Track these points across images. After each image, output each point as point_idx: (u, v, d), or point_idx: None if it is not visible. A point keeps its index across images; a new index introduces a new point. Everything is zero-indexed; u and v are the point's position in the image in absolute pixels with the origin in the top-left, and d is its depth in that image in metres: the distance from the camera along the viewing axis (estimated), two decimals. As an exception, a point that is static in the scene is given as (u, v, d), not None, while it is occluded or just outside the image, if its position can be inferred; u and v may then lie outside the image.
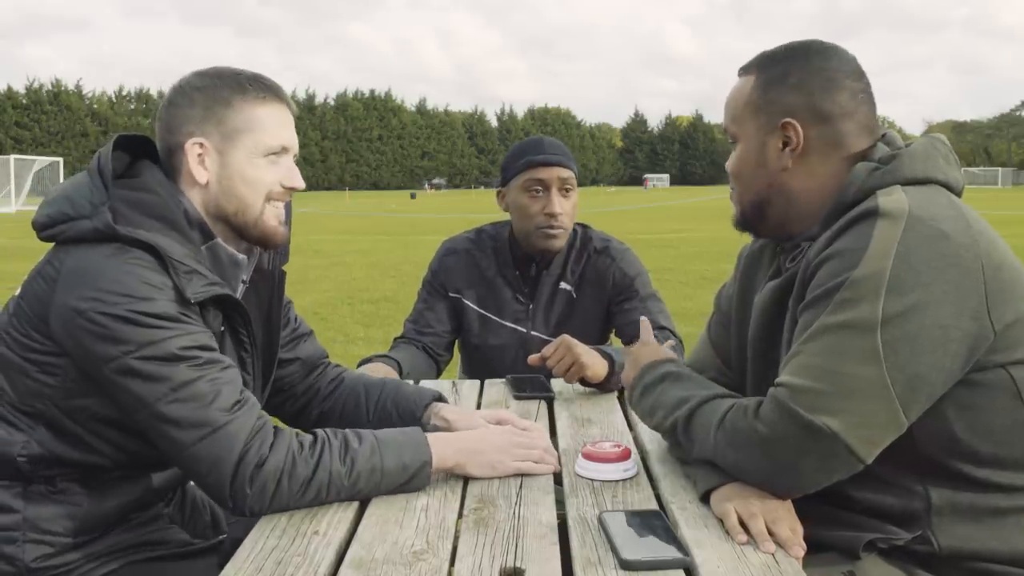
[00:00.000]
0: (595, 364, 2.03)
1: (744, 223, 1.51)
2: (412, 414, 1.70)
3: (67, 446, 1.42)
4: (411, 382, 2.03)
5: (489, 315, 2.47)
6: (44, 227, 1.43)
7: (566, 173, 2.36)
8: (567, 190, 2.37)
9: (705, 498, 1.34)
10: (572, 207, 2.39)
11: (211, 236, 1.49)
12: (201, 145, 1.47)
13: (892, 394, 1.19)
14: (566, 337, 2.06)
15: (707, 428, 1.34)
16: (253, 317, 1.58)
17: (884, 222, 1.24)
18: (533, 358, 2.08)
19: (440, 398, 1.74)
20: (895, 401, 1.20)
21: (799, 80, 1.40)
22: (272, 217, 1.52)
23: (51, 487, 1.44)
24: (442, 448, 1.45)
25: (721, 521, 1.27)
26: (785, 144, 1.40)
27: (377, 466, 1.38)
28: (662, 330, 2.34)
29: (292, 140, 1.54)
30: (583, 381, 2.05)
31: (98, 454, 1.44)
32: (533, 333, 2.44)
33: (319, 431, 1.41)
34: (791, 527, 1.23)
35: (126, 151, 1.50)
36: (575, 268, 2.46)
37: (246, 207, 1.50)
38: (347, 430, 1.42)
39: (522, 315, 2.45)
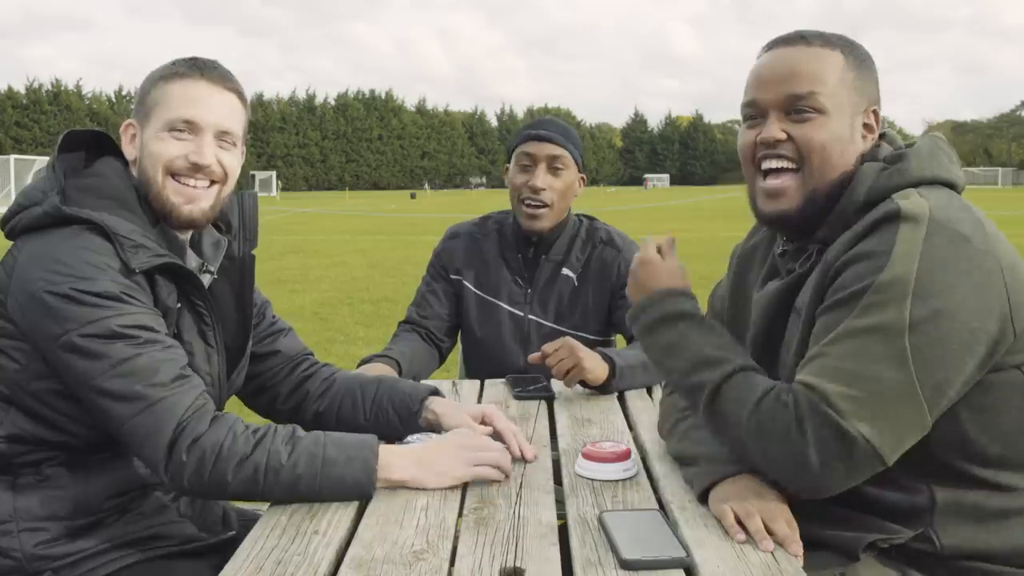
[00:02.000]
0: (595, 368, 2.02)
1: (803, 213, 1.38)
2: (408, 409, 1.70)
3: (41, 427, 1.45)
4: (409, 380, 2.03)
5: (487, 297, 2.46)
6: (5, 222, 1.49)
7: (557, 151, 2.34)
8: (557, 169, 2.35)
9: (702, 498, 1.34)
10: (563, 187, 2.36)
11: (158, 221, 1.54)
12: (131, 125, 1.55)
13: (920, 398, 1.20)
14: (568, 339, 2.05)
15: (741, 406, 1.29)
16: (226, 298, 1.63)
17: (907, 226, 1.24)
18: (533, 356, 2.07)
19: (436, 392, 1.74)
20: (923, 404, 1.20)
21: (876, 76, 1.44)
22: (174, 193, 1.52)
23: (38, 475, 1.46)
24: (393, 458, 1.41)
25: (720, 521, 1.27)
26: (865, 127, 1.41)
27: (318, 454, 1.37)
28: None
29: (199, 114, 1.51)
30: (583, 383, 2.05)
31: (70, 435, 1.47)
32: (531, 317, 2.43)
33: (269, 424, 1.43)
34: (789, 524, 1.23)
35: (88, 150, 1.56)
36: (580, 256, 2.44)
37: (149, 181, 1.52)
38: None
39: (520, 298, 2.44)
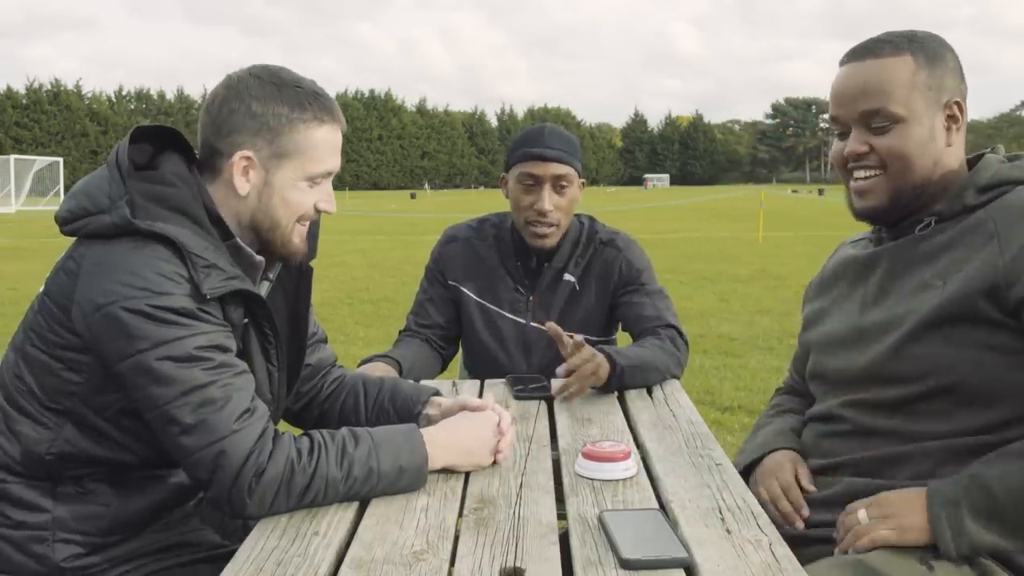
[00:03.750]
0: (603, 375, 2.01)
1: (892, 207, 1.50)
2: (409, 411, 1.71)
3: (94, 443, 1.42)
4: (411, 381, 2.03)
5: (488, 304, 2.43)
6: (65, 222, 1.43)
7: (562, 169, 2.27)
8: (562, 187, 2.30)
9: (745, 473, 1.59)
10: (568, 203, 2.32)
11: (230, 235, 1.48)
12: (248, 159, 1.45)
13: None
14: (589, 348, 2.00)
15: None
16: (280, 311, 1.58)
17: None
18: (561, 370, 1.98)
19: (437, 394, 1.75)
20: None
21: (955, 65, 1.49)
22: (297, 236, 1.52)
23: (79, 488, 1.44)
24: (436, 451, 1.45)
25: (721, 519, 1.27)
26: (948, 121, 1.47)
27: (374, 468, 1.38)
28: (668, 328, 2.28)
29: (336, 163, 1.53)
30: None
31: (126, 450, 1.44)
32: (532, 324, 2.40)
33: (315, 433, 1.40)
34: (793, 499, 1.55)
35: (150, 142, 1.49)
36: (580, 260, 2.41)
37: (278, 226, 1.49)
38: (344, 430, 1.42)
39: (521, 306, 2.41)
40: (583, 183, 2.41)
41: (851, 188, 1.54)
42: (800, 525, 1.50)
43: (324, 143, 1.48)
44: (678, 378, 2.21)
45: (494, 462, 1.53)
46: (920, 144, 1.46)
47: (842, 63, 1.53)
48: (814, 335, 1.67)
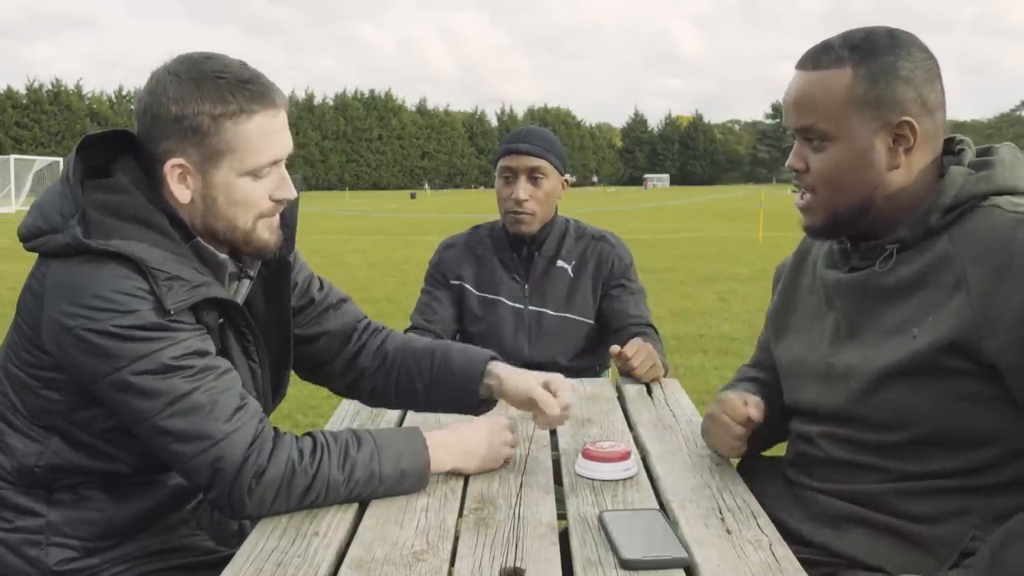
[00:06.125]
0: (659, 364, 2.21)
1: (831, 229, 1.43)
2: (468, 378, 1.64)
3: (82, 456, 1.41)
4: (461, 346, 1.97)
5: (487, 296, 2.56)
6: (25, 239, 1.40)
7: (536, 162, 2.46)
8: (537, 179, 2.48)
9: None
10: (544, 195, 2.49)
11: (192, 236, 1.42)
12: (181, 166, 1.36)
13: None
14: (642, 342, 2.19)
15: None
16: (259, 308, 1.57)
17: None
18: (614, 349, 2.16)
19: (495, 357, 1.68)
20: None
21: (909, 72, 1.34)
22: (264, 230, 1.44)
23: (74, 494, 1.44)
24: (440, 452, 1.45)
25: (722, 519, 1.26)
26: (895, 141, 1.35)
27: (376, 472, 1.38)
28: (649, 327, 2.49)
29: (281, 149, 1.41)
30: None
31: (116, 461, 1.43)
32: (531, 308, 2.54)
33: (318, 434, 1.40)
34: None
35: (105, 147, 1.42)
36: (573, 249, 2.57)
37: (235, 226, 1.41)
38: (347, 431, 1.42)
39: (518, 293, 2.55)
40: (566, 180, 2.59)
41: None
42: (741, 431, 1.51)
43: (259, 134, 1.36)
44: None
45: (504, 463, 1.53)
46: (853, 168, 1.35)
47: (795, 67, 1.42)
48: (783, 351, 1.59)
